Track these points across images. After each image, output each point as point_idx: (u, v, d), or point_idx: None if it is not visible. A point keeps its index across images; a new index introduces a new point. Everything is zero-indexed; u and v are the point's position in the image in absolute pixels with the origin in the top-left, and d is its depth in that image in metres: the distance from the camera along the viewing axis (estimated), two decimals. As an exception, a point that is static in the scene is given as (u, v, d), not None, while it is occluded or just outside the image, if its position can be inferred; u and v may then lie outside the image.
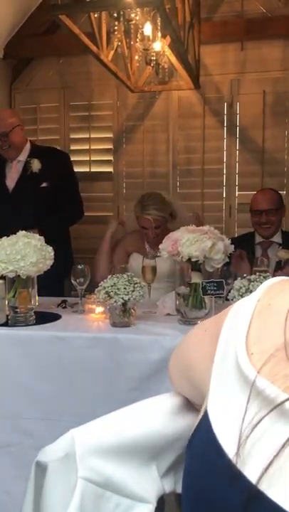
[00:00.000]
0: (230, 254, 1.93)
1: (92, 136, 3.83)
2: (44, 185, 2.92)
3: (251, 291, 1.76)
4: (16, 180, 2.96)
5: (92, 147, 3.82)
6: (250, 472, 0.47)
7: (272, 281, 0.63)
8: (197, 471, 0.54)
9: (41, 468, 0.65)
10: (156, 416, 0.72)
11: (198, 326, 0.74)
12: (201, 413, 0.58)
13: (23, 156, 2.97)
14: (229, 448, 0.50)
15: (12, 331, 1.83)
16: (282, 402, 0.48)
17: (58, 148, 3.50)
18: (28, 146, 2.99)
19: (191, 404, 0.76)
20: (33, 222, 2.76)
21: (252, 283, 1.78)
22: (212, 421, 0.54)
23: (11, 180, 2.97)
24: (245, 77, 3.57)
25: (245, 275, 1.84)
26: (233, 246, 1.93)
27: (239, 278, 1.83)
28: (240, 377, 0.53)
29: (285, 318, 0.55)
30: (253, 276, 1.81)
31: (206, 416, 0.55)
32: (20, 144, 2.94)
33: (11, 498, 1.72)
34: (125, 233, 2.89)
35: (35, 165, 2.92)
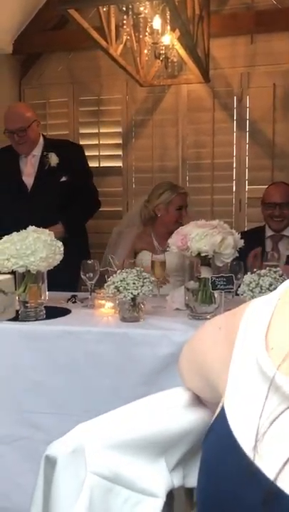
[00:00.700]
0: (239, 248, 1.92)
1: (102, 130, 3.82)
2: (63, 179, 2.86)
3: (261, 286, 1.76)
4: (34, 175, 2.88)
5: (102, 142, 3.82)
6: (268, 468, 0.47)
7: None
8: (213, 465, 0.54)
9: (50, 463, 0.65)
10: (166, 411, 0.72)
11: (210, 322, 0.74)
12: (218, 409, 0.58)
13: (37, 151, 2.89)
14: (246, 443, 0.50)
15: (22, 325, 1.84)
16: None
17: (71, 140, 3.47)
18: (41, 140, 2.92)
19: (200, 400, 0.76)
20: (54, 218, 2.74)
21: (262, 278, 1.77)
22: (228, 417, 0.54)
23: (28, 177, 2.89)
24: (255, 70, 3.54)
25: (255, 270, 1.83)
26: (242, 240, 1.92)
27: (249, 273, 1.82)
28: (258, 372, 0.53)
29: None
30: (263, 271, 1.80)
31: (222, 412, 0.56)
32: (35, 139, 2.88)
33: (22, 491, 1.73)
34: (129, 228, 2.90)
35: (53, 159, 2.85)
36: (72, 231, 2.84)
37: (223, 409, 0.56)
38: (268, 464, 0.47)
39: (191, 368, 0.75)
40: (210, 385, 0.66)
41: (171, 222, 2.70)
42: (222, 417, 0.55)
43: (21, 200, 2.85)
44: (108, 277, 1.91)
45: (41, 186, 2.86)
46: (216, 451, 0.55)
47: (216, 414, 0.58)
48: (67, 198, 2.85)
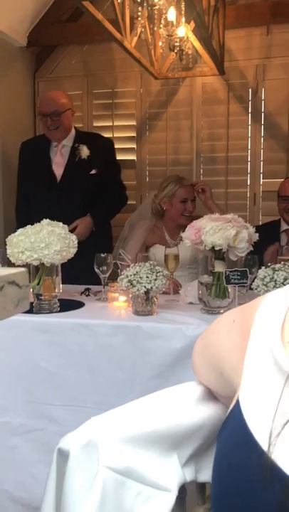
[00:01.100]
0: (254, 242, 1.90)
1: (116, 124, 3.81)
2: (93, 172, 2.86)
3: (276, 281, 1.74)
4: (64, 166, 2.88)
5: (116, 135, 3.81)
6: (286, 464, 0.47)
7: None
8: (228, 460, 0.54)
9: (63, 456, 0.65)
10: (178, 406, 0.72)
11: (224, 316, 0.73)
12: (233, 403, 0.57)
13: (68, 141, 2.89)
14: (262, 439, 0.50)
15: (36, 318, 1.85)
16: None
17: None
18: (73, 131, 2.92)
19: (213, 395, 0.76)
20: (81, 211, 2.79)
21: (276, 272, 1.75)
22: (244, 410, 0.54)
23: (57, 167, 2.89)
24: (270, 62, 3.50)
25: (269, 264, 1.82)
26: (257, 234, 1.91)
27: (263, 267, 1.81)
28: (274, 366, 0.53)
29: None
30: (277, 266, 1.79)
31: (237, 406, 0.55)
32: (68, 128, 2.87)
33: (36, 481, 1.76)
34: (141, 222, 2.89)
35: (84, 151, 2.85)
36: (100, 224, 2.88)
37: (238, 402, 0.56)
38: (285, 461, 0.47)
39: (204, 362, 0.75)
40: (224, 378, 0.65)
41: (176, 216, 2.70)
42: (237, 410, 0.55)
43: (51, 189, 2.87)
44: (120, 270, 1.92)
45: (71, 177, 2.87)
46: (232, 445, 0.55)
47: (230, 407, 0.58)
48: (96, 191, 2.87)
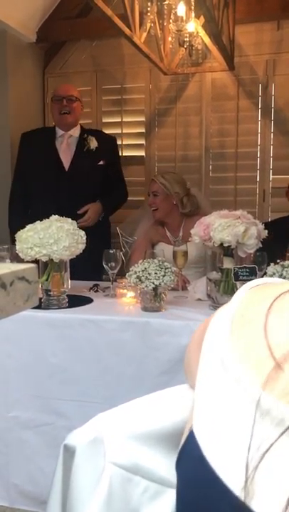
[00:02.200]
0: (263, 239, 1.90)
1: (125, 119, 3.81)
2: (101, 163, 2.94)
3: (285, 277, 1.74)
4: (72, 155, 2.93)
5: (124, 131, 3.81)
6: (262, 509, 0.38)
7: (250, 286, 0.56)
8: (193, 500, 0.46)
9: (69, 452, 0.65)
10: (185, 403, 0.72)
11: (204, 321, 0.72)
12: (185, 433, 0.49)
13: (75, 132, 2.96)
14: (232, 481, 0.41)
15: (45, 313, 1.86)
16: None
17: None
18: (78, 125, 3.01)
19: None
20: (90, 200, 2.84)
21: (285, 269, 1.75)
22: (203, 447, 0.44)
23: (64, 156, 2.93)
24: (281, 57, 3.47)
25: (278, 261, 1.81)
26: (266, 231, 1.90)
27: (272, 264, 1.80)
28: (238, 391, 0.43)
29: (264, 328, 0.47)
30: (286, 262, 1.78)
31: (192, 439, 0.46)
32: (77, 117, 2.97)
33: (45, 476, 1.77)
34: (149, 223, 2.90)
35: (94, 142, 2.92)
36: (108, 213, 2.97)
37: (192, 436, 0.46)
38: (260, 504, 0.39)
39: (186, 372, 0.71)
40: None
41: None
42: (193, 443, 0.45)
43: (59, 178, 2.91)
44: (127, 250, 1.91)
45: (79, 166, 2.91)
46: (194, 484, 0.46)
47: (182, 440, 0.50)
48: (104, 181, 2.93)
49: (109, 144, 3.08)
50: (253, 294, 0.53)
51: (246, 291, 0.55)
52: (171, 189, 2.67)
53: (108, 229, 3.09)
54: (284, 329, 0.45)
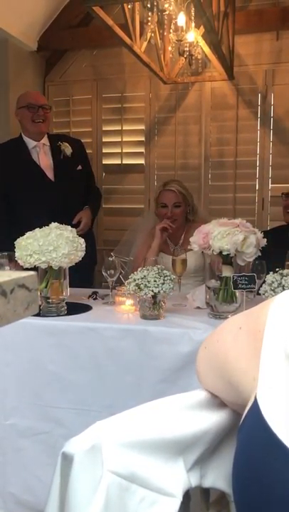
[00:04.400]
0: (262, 247, 1.90)
1: (124, 128, 3.83)
2: (79, 167, 2.97)
3: (283, 286, 1.74)
4: (53, 166, 2.91)
5: (124, 139, 3.82)
6: None
7: None
8: (251, 461, 0.54)
9: (67, 460, 0.65)
10: (184, 410, 0.72)
11: (227, 324, 0.73)
12: (249, 404, 0.58)
13: (47, 141, 2.95)
14: (286, 437, 0.50)
15: (44, 321, 1.86)
16: None
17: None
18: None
19: (219, 400, 0.76)
20: (78, 205, 2.88)
21: (284, 277, 1.75)
22: (264, 412, 0.54)
23: (46, 167, 2.90)
24: (280, 67, 3.50)
25: (277, 269, 1.81)
26: (265, 240, 1.91)
27: (271, 272, 1.80)
28: None
29: None
30: (285, 271, 1.78)
31: (255, 406, 0.55)
32: (48, 126, 2.99)
33: (42, 485, 1.76)
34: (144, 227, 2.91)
35: (68, 148, 2.92)
36: (95, 215, 3.04)
37: (256, 402, 0.55)
38: None
39: (210, 371, 0.75)
40: (232, 385, 0.65)
41: (160, 220, 2.66)
42: (256, 411, 0.55)
43: (45, 190, 2.87)
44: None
45: (63, 175, 2.92)
46: (253, 446, 0.55)
47: (246, 409, 0.58)
48: (85, 185, 3.00)
49: (78, 146, 3.08)
50: None
51: None
52: (188, 196, 2.67)
53: (91, 230, 3.09)
54: None
